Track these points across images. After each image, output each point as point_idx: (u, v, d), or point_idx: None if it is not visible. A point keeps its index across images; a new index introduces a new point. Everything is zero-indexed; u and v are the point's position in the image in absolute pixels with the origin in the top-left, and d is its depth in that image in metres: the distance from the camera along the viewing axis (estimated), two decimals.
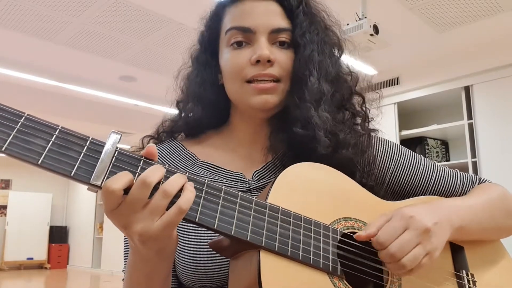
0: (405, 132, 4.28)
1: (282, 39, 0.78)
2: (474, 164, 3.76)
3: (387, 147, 0.86)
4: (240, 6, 0.79)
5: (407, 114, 4.47)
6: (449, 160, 4.30)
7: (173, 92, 0.90)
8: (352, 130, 0.79)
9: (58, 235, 10.89)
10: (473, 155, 3.78)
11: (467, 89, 3.90)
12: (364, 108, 0.85)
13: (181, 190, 0.55)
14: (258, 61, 0.75)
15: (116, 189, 0.51)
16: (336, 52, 0.84)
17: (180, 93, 0.89)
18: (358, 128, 0.83)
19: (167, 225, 0.54)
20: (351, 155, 0.76)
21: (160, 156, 0.83)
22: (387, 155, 0.85)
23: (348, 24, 2.87)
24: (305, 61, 0.77)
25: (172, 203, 0.54)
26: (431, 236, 0.65)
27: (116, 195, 0.52)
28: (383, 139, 0.88)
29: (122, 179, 0.52)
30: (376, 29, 2.86)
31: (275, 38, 0.78)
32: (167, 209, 0.54)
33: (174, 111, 0.90)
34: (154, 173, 0.54)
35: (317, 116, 0.74)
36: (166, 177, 0.56)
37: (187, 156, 0.83)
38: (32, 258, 10.29)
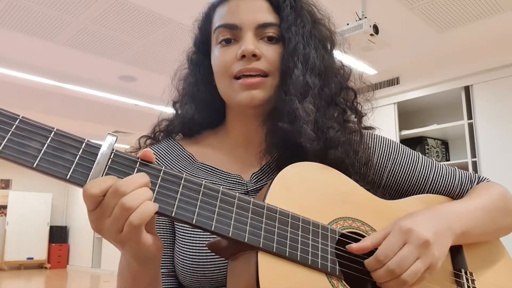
0: (405, 132, 4.28)
1: (270, 34, 0.77)
2: (474, 164, 3.76)
3: (384, 145, 0.86)
4: (227, 4, 0.80)
5: (407, 114, 4.47)
6: (449, 160, 4.30)
7: (170, 92, 0.90)
8: (343, 127, 0.78)
9: (58, 235, 10.89)
10: (473, 155, 3.78)
11: (467, 89, 3.90)
12: (355, 104, 0.83)
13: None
14: (243, 56, 0.75)
15: (93, 194, 0.51)
16: (326, 46, 0.82)
17: (176, 94, 0.90)
18: (350, 125, 0.80)
19: (129, 234, 0.52)
20: (342, 154, 0.75)
21: (158, 156, 0.83)
22: (384, 154, 0.85)
23: (348, 24, 2.87)
24: (290, 54, 0.76)
25: None
26: (431, 248, 0.64)
27: (93, 199, 0.51)
28: (380, 137, 0.87)
29: (101, 184, 0.51)
30: (376, 29, 2.86)
31: (262, 34, 0.77)
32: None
33: (172, 111, 0.90)
34: (130, 183, 0.52)
35: (301, 109, 0.73)
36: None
37: (185, 156, 0.83)
38: (32, 258, 10.30)
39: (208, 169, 0.81)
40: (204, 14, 0.86)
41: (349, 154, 0.77)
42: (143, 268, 0.60)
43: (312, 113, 0.73)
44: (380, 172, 0.84)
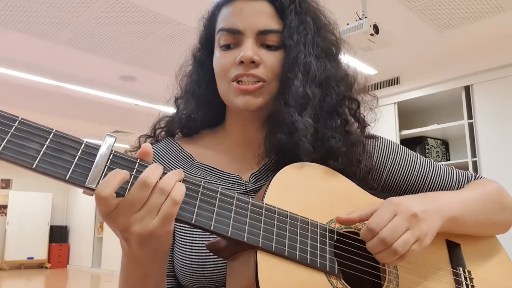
0: (405, 132, 4.28)
1: (269, 42, 0.76)
2: (474, 164, 3.76)
3: (383, 145, 0.86)
4: (231, 6, 0.79)
5: (407, 114, 4.47)
6: (449, 160, 4.30)
7: (173, 90, 0.90)
8: (344, 137, 0.77)
9: (58, 235, 10.90)
10: (473, 154, 3.78)
11: (467, 89, 3.90)
12: (358, 114, 0.82)
13: None
14: (242, 62, 0.74)
15: (108, 195, 0.51)
16: (329, 54, 0.81)
17: (179, 90, 0.90)
18: (352, 135, 0.78)
19: (164, 220, 0.54)
20: (342, 165, 0.74)
21: (157, 155, 0.83)
22: (384, 154, 0.85)
23: (348, 24, 2.87)
24: (290, 63, 0.75)
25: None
26: (419, 221, 0.66)
27: (109, 200, 0.52)
28: (379, 138, 0.87)
29: (112, 182, 0.52)
30: (376, 29, 2.86)
31: (263, 40, 0.76)
32: None
33: (172, 110, 0.90)
34: (153, 172, 0.54)
35: (300, 121, 0.72)
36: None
37: (184, 156, 0.83)
38: (32, 258, 10.30)
39: (206, 169, 0.81)
40: (210, 12, 0.85)
41: (352, 164, 0.76)
42: (157, 265, 0.61)
43: (310, 127, 0.73)
44: (379, 172, 0.84)
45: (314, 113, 0.74)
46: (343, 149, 0.75)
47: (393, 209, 0.65)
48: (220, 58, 0.78)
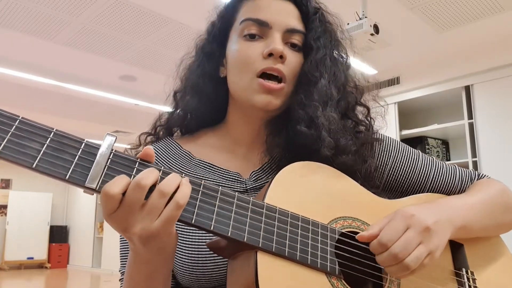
0: (406, 132, 4.28)
1: (295, 41, 0.78)
2: (475, 164, 3.76)
3: (384, 143, 0.86)
4: (258, 1, 0.79)
5: (408, 114, 4.47)
6: (449, 160, 4.30)
7: (172, 84, 0.89)
8: (354, 138, 0.78)
9: (59, 235, 10.89)
10: (474, 154, 3.78)
11: (467, 89, 3.90)
12: (368, 119, 0.84)
13: (177, 188, 0.55)
14: (270, 55, 0.74)
15: (116, 193, 0.52)
16: (346, 63, 0.84)
17: (179, 83, 0.88)
18: (361, 135, 0.81)
19: (166, 222, 0.54)
20: (351, 161, 0.75)
21: (156, 155, 0.81)
22: (385, 152, 0.85)
23: (348, 24, 2.87)
24: (316, 63, 0.77)
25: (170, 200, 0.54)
26: (432, 234, 0.65)
27: (115, 199, 0.52)
28: (381, 137, 0.86)
29: (120, 182, 0.52)
30: (376, 28, 2.86)
31: (288, 38, 0.78)
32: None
33: (171, 106, 0.89)
34: (148, 175, 0.54)
35: (323, 116, 0.73)
36: (161, 178, 0.56)
37: (182, 154, 0.82)
38: (32, 258, 10.30)
39: (205, 166, 0.80)
40: (229, 4, 0.84)
41: (357, 163, 0.77)
42: (163, 264, 0.61)
43: (334, 121, 0.74)
44: (380, 170, 0.84)
45: (333, 111, 0.76)
46: (353, 148, 0.76)
47: (405, 222, 0.64)
48: (242, 50, 0.77)
